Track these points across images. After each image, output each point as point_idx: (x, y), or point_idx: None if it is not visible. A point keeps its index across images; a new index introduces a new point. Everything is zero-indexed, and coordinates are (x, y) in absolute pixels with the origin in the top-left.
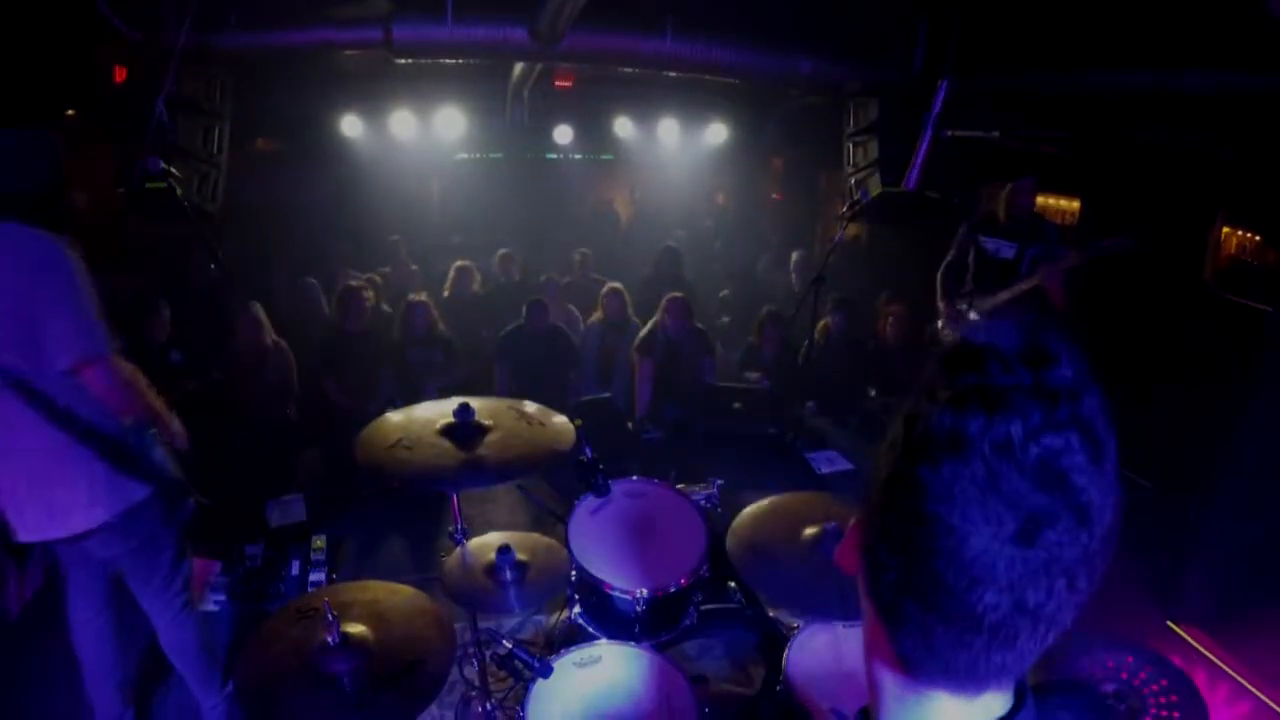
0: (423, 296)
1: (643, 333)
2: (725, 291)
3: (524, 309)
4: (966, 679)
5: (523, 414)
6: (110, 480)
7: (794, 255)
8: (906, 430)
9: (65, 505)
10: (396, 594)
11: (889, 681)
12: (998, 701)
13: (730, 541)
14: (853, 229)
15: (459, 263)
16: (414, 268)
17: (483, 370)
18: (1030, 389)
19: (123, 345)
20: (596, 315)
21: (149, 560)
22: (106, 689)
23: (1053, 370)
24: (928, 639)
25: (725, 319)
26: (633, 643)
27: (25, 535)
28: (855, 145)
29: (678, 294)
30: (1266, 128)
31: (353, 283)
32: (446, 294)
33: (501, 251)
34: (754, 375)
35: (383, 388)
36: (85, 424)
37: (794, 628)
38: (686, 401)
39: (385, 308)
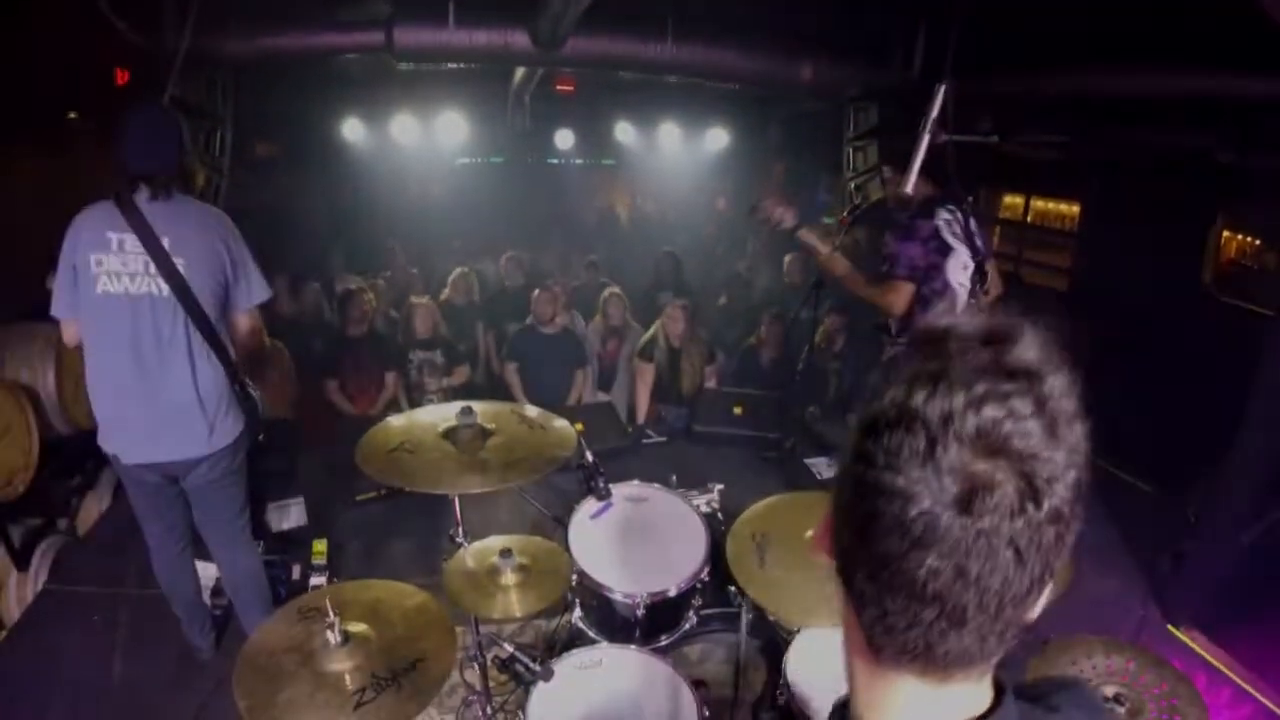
0: (424, 299)
1: (644, 338)
2: (724, 299)
3: (532, 299)
4: (926, 660)
5: (524, 418)
6: (236, 408)
7: (786, 258)
8: (865, 411)
9: (194, 431)
10: (397, 593)
11: (859, 668)
12: (972, 698)
13: (730, 545)
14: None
15: (459, 270)
16: (414, 271)
17: (484, 372)
18: (982, 367)
19: None
20: (596, 319)
21: (233, 488)
22: (198, 601)
23: (1011, 350)
24: (883, 615)
25: (723, 327)
26: (633, 646)
27: (155, 455)
28: (855, 150)
29: (680, 300)
30: (1267, 128)
31: (353, 286)
32: (443, 298)
33: (506, 254)
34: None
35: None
36: (229, 359)
37: (794, 632)
38: (687, 406)
39: (393, 314)
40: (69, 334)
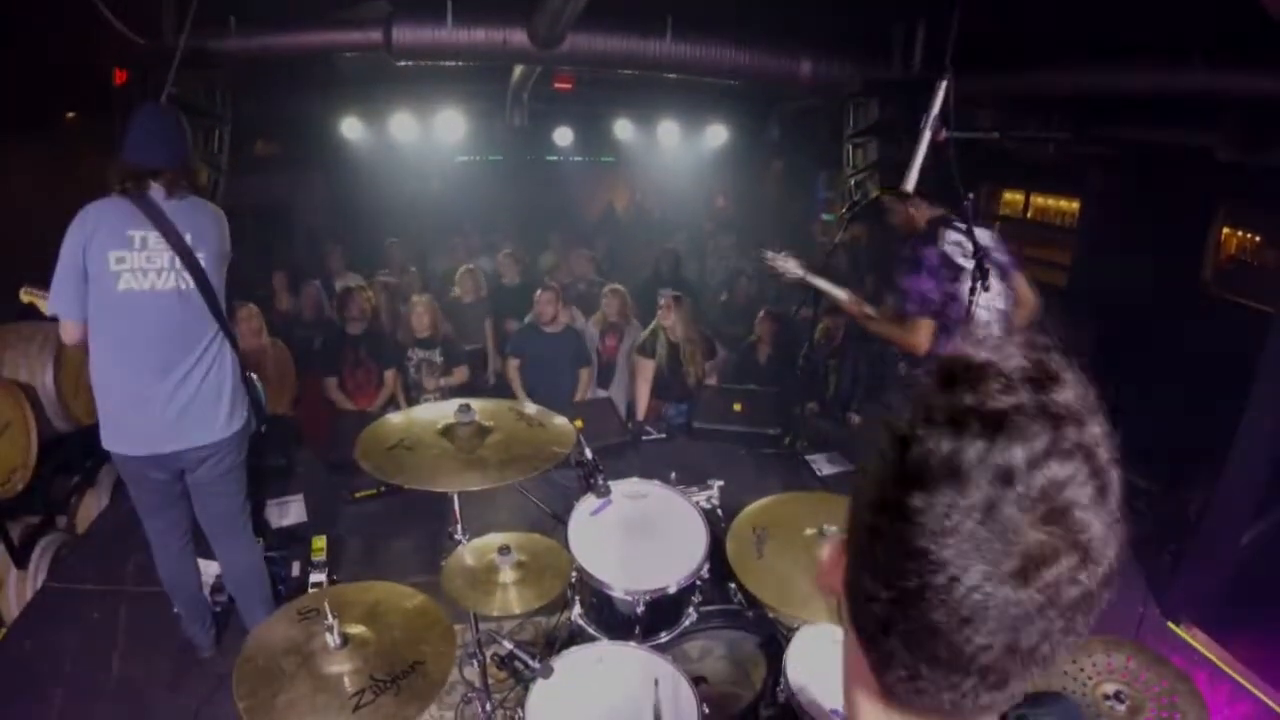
0: (423, 298)
1: (644, 334)
2: (725, 295)
3: (534, 297)
4: (953, 716)
5: (523, 415)
6: (241, 401)
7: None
8: (899, 452)
9: (211, 417)
10: (397, 594)
11: (867, 710)
12: None
13: (730, 542)
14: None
15: (465, 267)
16: (411, 269)
17: (494, 371)
18: (1032, 411)
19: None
20: (596, 316)
21: (235, 483)
22: (200, 596)
23: (1056, 392)
24: (913, 678)
25: (723, 324)
26: (633, 643)
27: (175, 445)
28: (855, 147)
29: (677, 294)
30: (1267, 125)
31: (353, 284)
32: (452, 295)
33: (504, 251)
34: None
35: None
36: (238, 348)
37: (794, 629)
38: (687, 402)
39: (402, 308)
40: (71, 333)
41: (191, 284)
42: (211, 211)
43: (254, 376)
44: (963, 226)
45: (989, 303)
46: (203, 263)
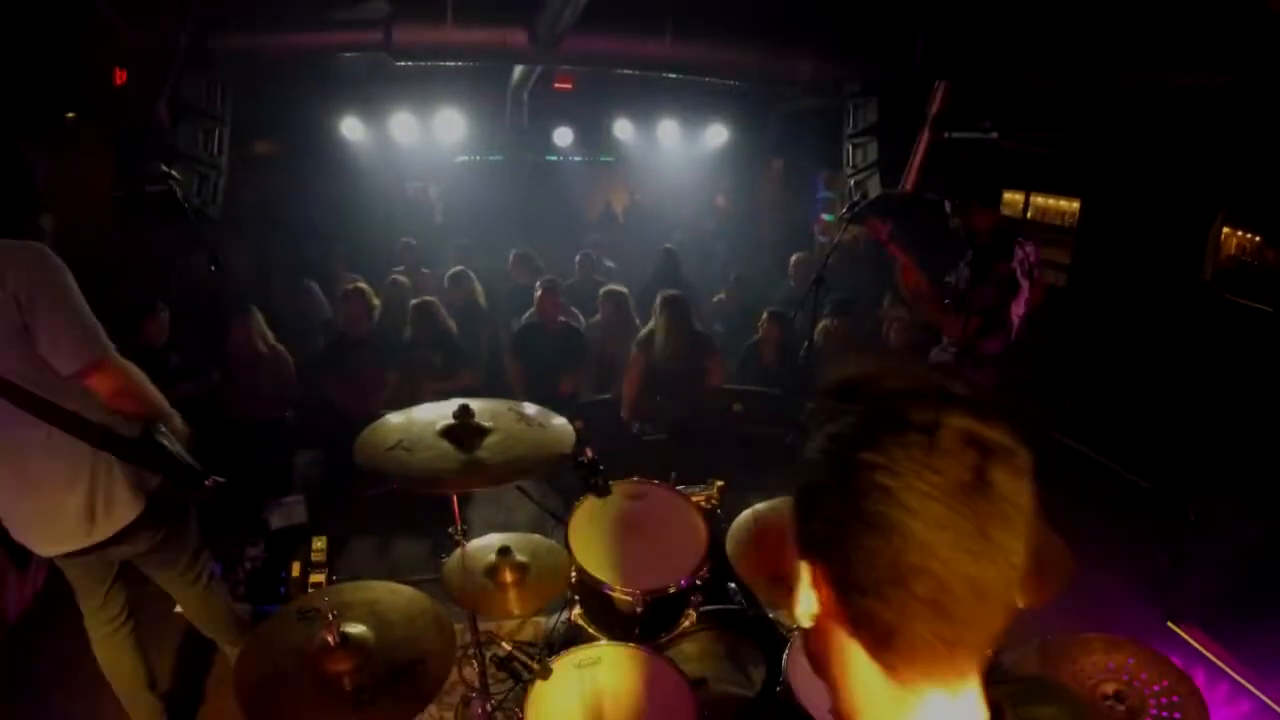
0: (422, 299)
1: (643, 332)
2: (720, 295)
3: (535, 295)
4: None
5: (522, 415)
6: (135, 476)
7: (793, 257)
8: (840, 433)
9: (96, 509)
10: (397, 594)
11: (878, 691)
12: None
13: (730, 543)
14: (851, 230)
15: (455, 269)
16: (424, 270)
17: (485, 375)
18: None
19: (117, 345)
20: (596, 318)
21: (174, 549)
22: (143, 700)
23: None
24: (873, 618)
25: (717, 327)
26: (633, 644)
27: (52, 548)
28: (855, 147)
29: (673, 292)
30: (1267, 128)
31: (354, 285)
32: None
33: (514, 252)
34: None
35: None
36: (99, 427)
37: (794, 629)
38: (686, 403)
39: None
40: None
41: None
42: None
43: (159, 432)
44: (1026, 242)
45: (1016, 311)
46: None
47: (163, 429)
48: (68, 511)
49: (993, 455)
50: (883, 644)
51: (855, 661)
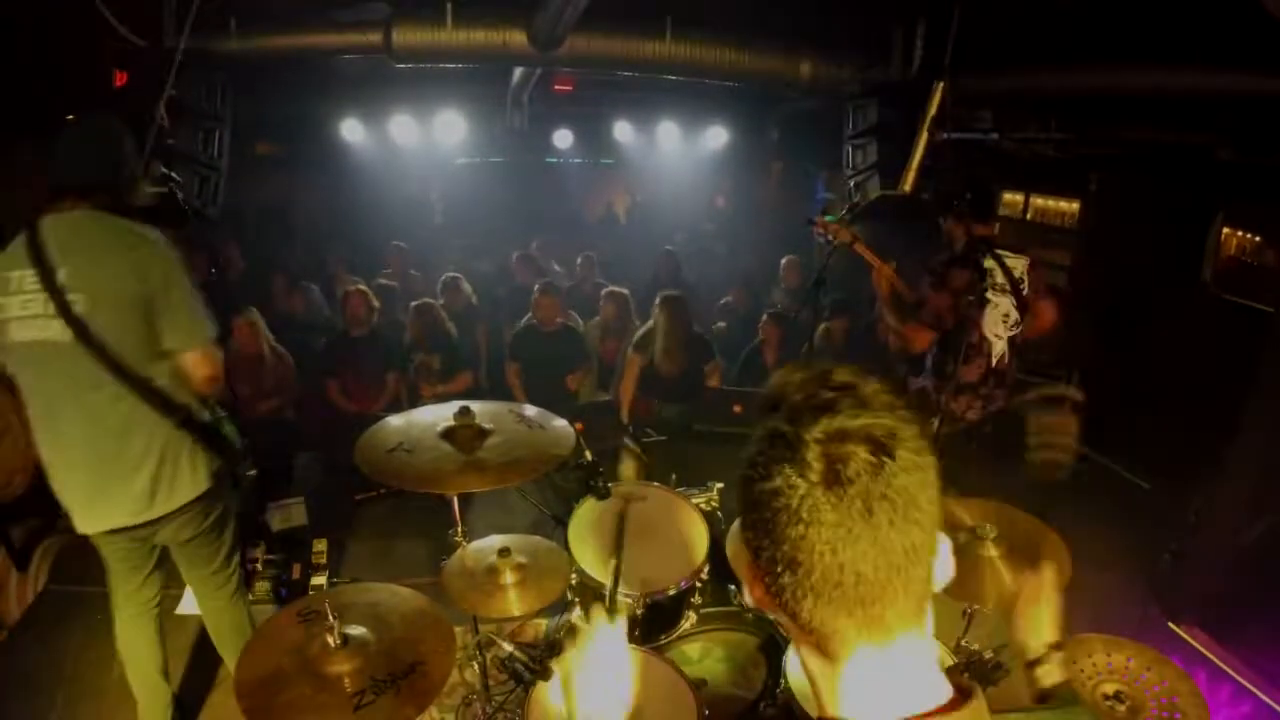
0: (422, 301)
1: (640, 332)
2: (728, 298)
3: (532, 297)
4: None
5: (522, 418)
6: (204, 457)
7: (784, 260)
8: (748, 447)
9: (160, 487)
10: (397, 596)
11: (818, 666)
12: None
13: (730, 544)
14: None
15: (448, 274)
16: (414, 273)
17: (485, 377)
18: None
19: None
20: (596, 320)
21: (213, 544)
22: (156, 685)
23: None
24: (785, 605)
25: (721, 324)
26: (633, 645)
27: (101, 524)
28: (854, 148)
29: (673, 292)
30: (1266, 128)
31: (355, 286)
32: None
33: (517, 254)
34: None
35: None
36: (180, 405)
37: None
38: (686, 404)
39: (401, 317)
40: None
41: (70, 335)
42: (120, 243)
43: (221, 416)
44: (1001, 254)
45: (993, 330)
46: (78, 308)
47: (225, 416)
48: (131, 487)
49: (865, 451)
50: (795, 620)
51: (793, 635)
